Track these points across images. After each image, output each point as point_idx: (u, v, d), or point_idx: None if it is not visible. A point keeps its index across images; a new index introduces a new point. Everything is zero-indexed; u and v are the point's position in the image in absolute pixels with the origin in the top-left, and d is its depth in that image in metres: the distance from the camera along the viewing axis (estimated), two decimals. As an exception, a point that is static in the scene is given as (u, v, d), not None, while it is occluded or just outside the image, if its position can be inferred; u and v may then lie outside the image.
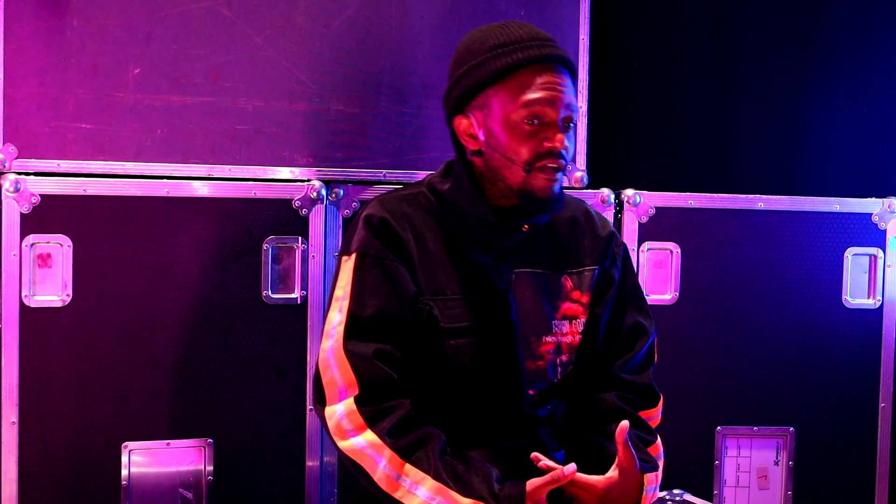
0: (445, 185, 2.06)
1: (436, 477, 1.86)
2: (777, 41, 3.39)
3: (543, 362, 2.07)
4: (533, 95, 1.94)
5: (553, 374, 2.09)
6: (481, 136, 1.99)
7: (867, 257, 2.93)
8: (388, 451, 1.88)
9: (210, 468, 2.57)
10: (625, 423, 1.89)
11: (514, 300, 2.04)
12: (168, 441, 2.54)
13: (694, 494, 2.72)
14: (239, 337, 2.59)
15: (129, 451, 2.51)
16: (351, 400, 1.92)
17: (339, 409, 1.92)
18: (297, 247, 2.62)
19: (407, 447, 1.89)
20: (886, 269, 2.93)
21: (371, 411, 1.91)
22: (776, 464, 2.93)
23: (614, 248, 2.19)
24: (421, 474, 1.86)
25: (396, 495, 1.87)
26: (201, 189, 2.54)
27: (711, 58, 3.37)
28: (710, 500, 2.88)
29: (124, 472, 2.51)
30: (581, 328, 2.13)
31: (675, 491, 2.72)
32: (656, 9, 3.34)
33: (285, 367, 2.62)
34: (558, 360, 2.09)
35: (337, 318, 1.98)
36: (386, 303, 1.96)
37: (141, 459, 2.52)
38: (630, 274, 2.22)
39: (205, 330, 2.56)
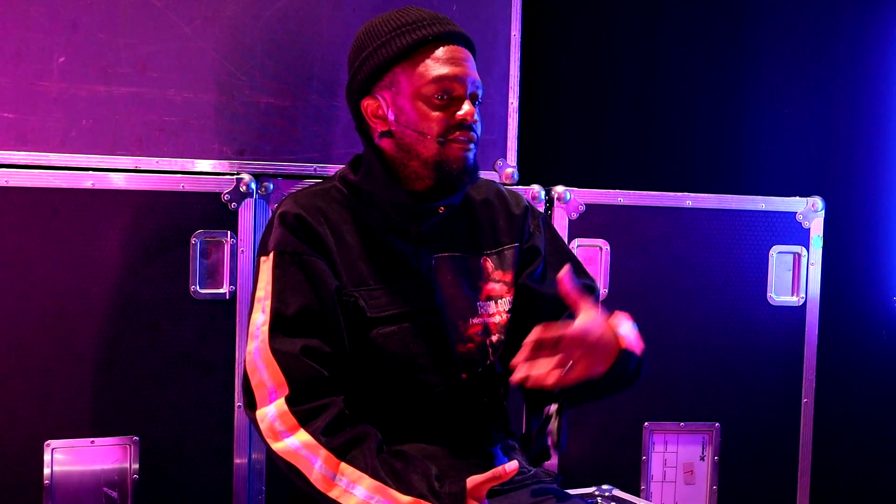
0: (357, 176, 2.06)
1: (373, 475, 1.84)
2: (703, 40, 3.44)
3: (473, 345, 2.07)
4: (442, 70, 1.97)
5: (484, 356, 2.09)
6: (391, 115, 2.00)
7: (791, 255, 2.99)
8: (323, 451, 1.86)
9: (136, 466, 2.52)
10: (564, 270, 1.88)
11: (437, 285, 2.04)
12: (92, 439, 2.49)
13: (622, 490, 2.74)
14: (166, 333, 2.54)
15: (52, 449, 2.45)
16: (282, 400, 1.89)
17: (271, 411, 1.90)
18: (226, 241, 2.58)
19: (342, 446, 1.87)
20: (810, 266, 2.98)
21: (303, 411, 1.89)
22: (702, 459, 2.97)
23: (531, 221, 2.19)
24: (358, 473, 1.84)
25: (333, 495, 1.85)
26: (128, 181, 2.48)
27: (638, 56, 3.40)
28: (638, 496, 2.90)
29: (47, 472, 2.44)
30: (508, 307, 2.12)
31: (604, 486, 2.74)
32: (585, 7, 3.37)
33: (213, 363, 2.58)
34: (488, 342, 2.09)
35: (261, 318, 1.95)
36: (308, 299, 1.95)
37: (64, 458, 2.46)
38: (556, 240, 2.23)
39: (131, 325, 2.51)
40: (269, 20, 2.60)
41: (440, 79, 1.96)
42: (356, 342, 1.99)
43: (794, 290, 2.99)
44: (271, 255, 1.97)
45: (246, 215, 2.59)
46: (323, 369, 1.91)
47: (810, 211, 2.98)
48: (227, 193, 2.57)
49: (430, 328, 2.02)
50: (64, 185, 2.43)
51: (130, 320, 2.51)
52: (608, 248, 2.87)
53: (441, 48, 1.98)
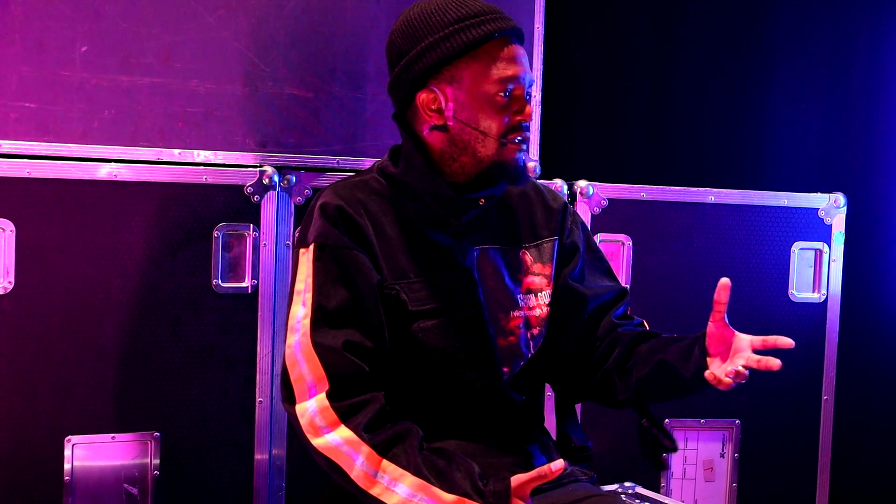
0: (397, 168, 2.02)
1: (416, 473, 1.81)
2: (723, 36, 3.43)
3: (515, 338, 2.05)
4: (507, 69, 1.94)
5: (526, 349, 2.07)
6: (448, 111, 1.95)
7: (813, 252, 2.97)
8: (365, 448, 1.83)
9: (156, 462, 2.49)
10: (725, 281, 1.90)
11: (479, 277, 2.01)
12: (113, 434, 2.45)
13: (644, 487, 2.72)
14: (187, 327, 2.50)
15: (73, 444, 2.41)
16: (323, 395, 1.86)
17: (312, 406, 1.86)
18: (249, 234, 2.55)
19: (385, 443, 1.84)
20: (831, 263, 2.97)
21: (344, 406, 1.85)
22: (722, 456, 2.96)
23: (570, 218, 2.18)
24: (400, 471, 1.81)
25: (374, 493, 1.82)
26: (150, 173, 2.45)
27: (658, 51, 3.40)
28: (658, 493, 2.88)
29: (67, 467, 2.41)
30: (548, 300, 2.10)
31: (627, 484, 2.71)
32: (605, 2, 3.35)
33: (235, 357, 2.55)
34: (529, 335, 2.07)
35: (301, 311, 1.92)
36: (350, 292, 1.91)
37: (85, 453, 2.43)
38: (589, 238, 2.22)
39: (152, 319, 2.47)
40: (293, 11, 2.57)
41: (505, 79, 1.93)
42: (397, 336, 1.96)
43: (816, 286, 2.97)
44: (312, 247, 1.93)
45: (269, 208, 2.56)
46: (364, 364, 1.88)
47: (832, 207, 2.96)
48: (249, 186, 2.54)
49: (471, 321, 1.99)
50: (85, 177, 2.39)
51: (152, 314, 2.47)
52: (630, 244, 2.85)
53: (505, 46, 1.95)
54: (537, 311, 2.08)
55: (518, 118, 1.95)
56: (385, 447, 1.83)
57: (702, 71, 3.39)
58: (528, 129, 1.98)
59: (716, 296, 1.90)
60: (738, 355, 1.90)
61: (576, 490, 2.01)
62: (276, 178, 2.55)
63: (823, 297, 2.97)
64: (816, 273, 2.97)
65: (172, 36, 2.47)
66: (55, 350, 2.39)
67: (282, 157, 2.59)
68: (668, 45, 3.39)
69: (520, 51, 1.97)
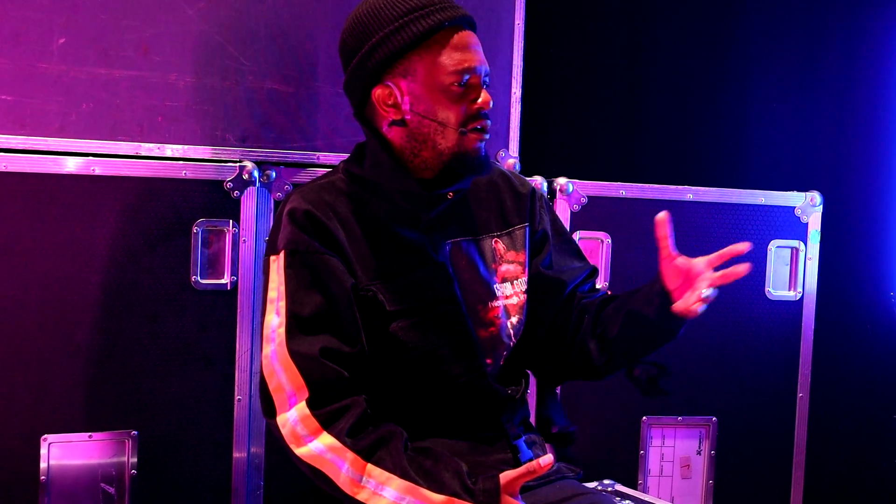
0: (362, 167, 2.00)
1: (403, 475, 1.79)
2: (701, 36, 3.45)
3: (495, 328, 2.04)
4: (461, 57, 1.92)
5: (508, 339, 2.06)
6: (405, 105, 1.94)
7: (789, 250, 2.99)
8: (349, 454, 1.81)
9: (133, 461, 2.45)
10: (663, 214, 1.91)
11: (453, 271, 2.00)
12: (90, 433, 2.41)
13: (622, 485, 2.73)
14: (166, 324, 2.47)
15: (49, 443, 2.37)
16: (303, 404, 1.84)
17: (292, 416, 1.84)
18: (228, 230, 2.52)
19: (368, 447, 1.82)
20: (807, 261, 2.99)
21: (325, 413, 1.83)
22: (698, 453, 2.97)
23: (539, 203, 2.17)
24: (386, 474, 1.80)
25: (361, 498, 1.80)
26: (129, 168, 2.41)
27: (638, 50, 3.40)
28: (636, 490, 2.89)
29: (43, 466, 2.37)
30: (524, 287, 2.10)
31: (606, 481, 2.72)
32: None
33: (214, 355, 2.52)
34: (509, 323, 2.06)
35: (275, 320, 1.89)
36: (324, 297, 1.89)
37: (61, 452, 2.39)
38: (557, 221, 2.21)
39: (130, 316, 2.43)
40: (274, 4, 2.54)
41: (460, 69, 1.91)
42: (376, 337, 1.94)
43: (792, 284, 2.99)
44: (282, 254, 1.91)
45: (248, 204, 2.53)
46: (343, 369, 1.86)
47: (809, 205, 2.98)
48: (229, 181, 2.51)
49: (449, 316, 1.98)
50: (63, 171, 2.35)
51: (130, 311, 2.43)
52: (609, 241, 2.85)
53: (456, 34, 1.93)
54: (514, 300, 2.07)
55: (475, 106, 1.93)
56: (369, 451, 1.82)
57: (679, 70, 3.41)
58: (487, 116, 1.95)
59: (657, 232, 1.91)
60: (700, 279, 1.89)
61: (563, 488, 2.00)
62: (256, 174, 2.52)
63: (799, 295, 2.99)
64: (793, 271, 2.99)
65: (152, 28, 2.43)
66: (31, 348, 2.35)
67: (262, 152, 2.56)
68: (645, 45, 3.40)
69: (472, 38, 1.95)
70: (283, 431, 1.86)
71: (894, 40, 3.35)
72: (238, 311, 2.54)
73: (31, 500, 2.37)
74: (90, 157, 2.39)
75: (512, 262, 2.09)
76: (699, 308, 1.87)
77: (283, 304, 1.89)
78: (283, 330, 1.87)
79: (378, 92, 1.96)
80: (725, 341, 2.95)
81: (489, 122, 1.97)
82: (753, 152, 3.43)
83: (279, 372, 1.86)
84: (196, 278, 2.49)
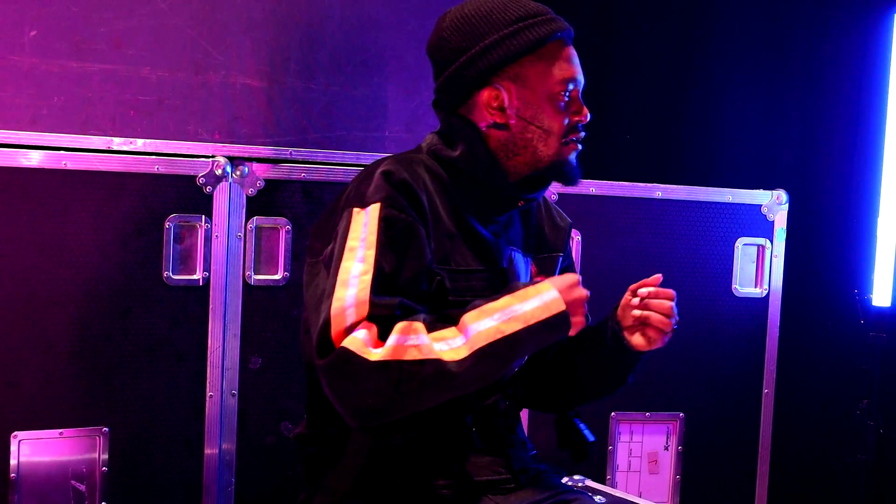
0: (454, 153, 1.97)
1: (481, 308, 1.78)
2: (666, 36, 3.48)
3: None
4: (569, 70, 1.95)
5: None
6: (511, 108, 1.93)
7: (756, 247, 3.03)
8: (418, 325, 1.75)
9: (105, 457, 2.44)
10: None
11: (509, 279, 2.00)
12: (61, 430, 2.39)
13: (591, 480, 2.75)
14: (137, 320, 2.46)
15: (19, 440, 2.35)
16: (366, 324, 1.75)
17: (359, 333, 1.74)
18: (200, 226, 2.51)
19: (430, 322, 1.78)
20: (773, 259, 3.03)
21: (386, 333, 1.76)
22: (666, 448, 3.00)
23: (570, 240, 2.21)
24: (469, 316, 1.77)
25: (449, 355, 1.73)
26: (100, 162, 2.39)
27: (609, 51, 3.42)
28: (605, 485, 2.92)
29: (13, 463, 2.35)
30: None
31: (576, 477, 2.74)
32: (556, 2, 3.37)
33: (185, 351, 2.51)
34: None
35: (358, 267, 1.80)
36: (412, 262, 1.85)
37: (31, 450, 2.37)
38: (573, 262, 2.24)
39: (102, 312, 2.42)
40: (246, 0, 2.54)
41: (567, 79, 1.94)
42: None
43: (758, 281, 3.03)
44: (378, 206, 1.83)
45: (220, 199, 2.52)
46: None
47: (775, 204, 3.02)
48: (201, 176, 2.49)
49: None
50: (34, 165, 2.33)
51: (101, 306, 2.42)
52: (579, 238, 2.88)
53: (565, 45, 1.96)
54: None
55: (577, 118, 1.96)
56: (431, 324, 1.78)
57: (648, 71, 3.45)
58: (583, 130, 1.99)
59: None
60: (627, 307, 1.99)
61: (548, 486, 2.01)
62: (228, 169, 2.51)
63: (765, 292, 3.04)
64: (759, 268, 3.03)
65: (124, 22, 2.43)
66: (1, 343, 2.33)
67: (234, 147, 2.55)
68: (615, 46, 3.43)
69: (575, 52, 1.98)
70: (353, 347, 1.73)
71: (859, 41, 3.40)
72: (210, 306, 2.53)
73: (1, 497, 2.35)
74: (61, 151, 2.37)
75: None
76: (639, 341, 1.97)
77: (371, 252, 1.81)
78: (368, 277, 1.79)
79: (485, 94, 1.94)
80: (692, 338, 2.98)
81: (584, 135, 2.00)
82: (721, 151, 3.48)
83: (351, 315, 1.77)
84: (168, 274, 2.48)
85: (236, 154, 2.56)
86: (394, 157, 1.95)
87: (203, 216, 2.51)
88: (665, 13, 3.48)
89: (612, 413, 2.94)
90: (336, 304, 1.77)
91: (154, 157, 2.45)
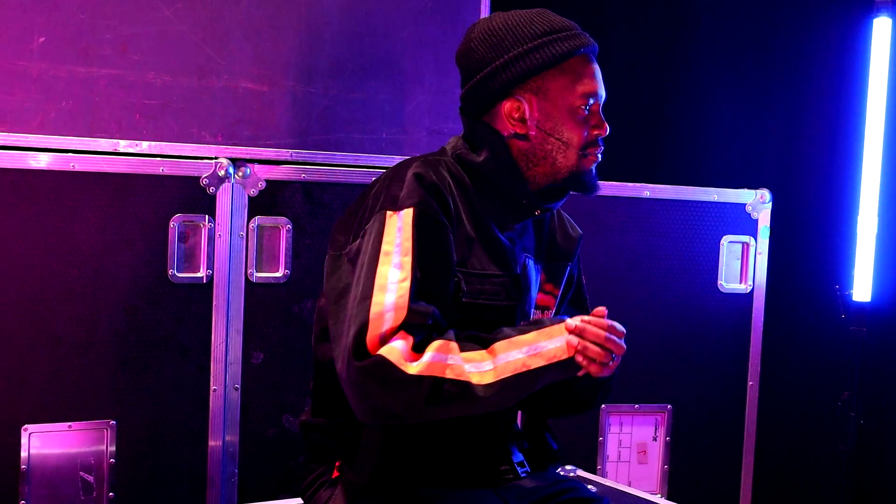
0: (479, 158, 2.03)
1: (512, 341, 1.85)
2: (651, 39, 3.55)
3: None
4: (591, 85, 2.00)
5: None
6: (532, 120, 1.99)
7: (740, 245, 3.12)
8: (453, 345, 1.83)
9: (112, 450, 2.51)
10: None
11: (523, 286, 2.05)
12: (69, 423, 2.47)
13: (584, 471, 2.83)
14: (143, 316, 2.53)
15: (29, 433, 2.43)
16: (402, 335, 1.82)
17: (398, 343, 1.81)
18: (204, 225, 2.59)
19: (462, 342, 1.85)
20: (757, 256, 3.12)
21: (420, 345, 1.83)
22: (654, 439, 3.09)
23: (579, 252, 2.26)
24: (499, 346, 1.85)
25: (477, 378, 1.81)
26: (107, 164, 2.47)
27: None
28: (595, 475, 3.00)
29: (24, 455, 2.42)
30: None
31: (568, 467, 2.82)
32: (540, 3, 3.44)
33: (190, 347, 2.59)
34: None
35: (396, 273, 1.86)
36: (443, 267, 1.92)
37: (41, 442, 2.44)
38: (581, 273, 2.29)
39: (109, 309, 2.50)
40: (249, 6, 2.61)
41: (588, 93, 1.99)
42: (446, 318, 1.95)
43: (743, 278, 3.12)
44: (412, 211, 1.89)
45: (224, 199, 2.60)
46: (434, 328, 1.87)
47: (759, 203, 3.11)
48: (205, 177, 2.57)
49: (504, 324, 1.99)
50: (42, 167, 2.40)
51: (108, 304, 2.49)
52: (570, 236, 2.96)
53: (587, 60, 2.01)
54: None
55: (596, 132, 2.01)
56: (462, 344, 1.85)
57: (636, 74, 3.53)
58: (603, 144, 2.03)
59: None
60: None
61: (545, 477, 2.07)
62: (231, 170, 2.59)
63: (750, 288, 3.12)
64: (744, 265, 3.12)
65: (130, 28, 2.49)
66: (11, 339, 2.40)
67: (237, 149, 2.63)
68: (602, 49, 3.49)
69: (598, 68, 2.03)
70: (392, 358, 1.80)
71: (840, 46, 3.48)
72: (214, 303, 2.61)
73: (12, 488, 2.42)
74: (69, 154, 2.44)
75: (548, 294, 2.16)
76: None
77: (408, 259, 1.87)
78: (407, 284, 1.85)
79: (507, 105, 2.00)
80: (680, 332, 3.07)
81: (603, 148, 2.04)
82: (707, 152, 3.56)
83: (389, 321, 1.83)
84: (173, 272, 2.56)
85: (238, 156, 2.64)
86: (423, 159, 2.00)
87: (206, 216, 2.58)
88: (652, 17, 3.55)
89: (603, 405, 3.03)
90: (375, 309, 1.82)
91: (159, 158, 2.53)
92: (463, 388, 1.81)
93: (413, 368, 1.79)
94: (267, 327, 2.68)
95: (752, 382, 3.15)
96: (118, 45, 2.49)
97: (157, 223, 2.53)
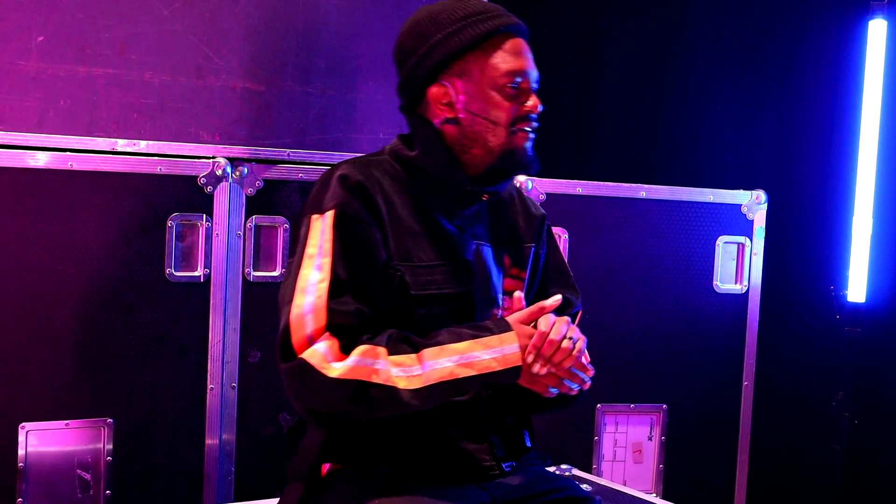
0: (413, 152, 2.06)
1: (444, 348, 1.88)
2: (647, 41, 3.56)
3: None
4: (514, 61, 2.01)
5: None
6: (459, 103, 2.02)
7: (736, 245, 3.13)
8: (380, 349, 1.86)
9: (109, 448, 2.52)
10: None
11: (475, 270, 2.07)
12: (67, 421, 2.48)
13: (579, 470, 2.85)
14: (141, 315, 2.54)
15: (27, 431, 2.44)
16: (326, 336, 1.86)
17: (321, 346, 1.85)
18: (202, 224, 2.60)
19: (389, 344, 1.88)
20: (753, 256, 3.13)
21: (347, 346, 1.87)
22: (650, 439, 3.10)
23: (546, 231, 2.26)
24: (429, 352, 1.87)
25: (403, 384, 1.84)
26: (105, 163, 2.48)
27: (596, 56, 3.50)
28: (591, 474, 3.01)
29: (21, 453, 2.43)
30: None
31: (564, 466, 2.84)
32: (535, 4, 3.46)
33: (187, 345, 2.60)
34: None
35: (316, 275, 1.91)
36: (365, 265, 1.94)
37: (38, 440, 2.45)
38: (556, 251, 2.30)
39: (107, 307, 2.50)
40: (246, 6, 2.62)
41: (512, 71, 2.00)
42: (395, 315, 1.99)
43: (738, 278, 3.13)
44: (331, 213, 1.94)
45: (221, 199, 2.61)
46: (367, 331, 1.91)
47: (754, 203, 3.12)
48: (203, 177, 2.58)
49: (462, 313, 2.04)
50: (41, 166, 2.41)
51: (106, 302, 2.50)
52: (567, 237, 2.97)
53: (510, 39, 2.02)
54: (510, 313, 2.14)
55: (525, 108, 2.02)
56: (394, 348, 1.88)
57: (632, 75, 3.55)
58: (535, 119, 2.04)
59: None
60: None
61: (534, 474, 2.08)
62: (228, 170, 2.60)
63: (745, 289, 3.14)
64: (739, 265, 3.13)
65: (128, 28, 2.50)
66: (9, 338, 2.41)
67: (234, 148, 2.64)
68: (599, 52, 3.53)
69: (524, 45, 2.05)
70: (313, 361, 1.84)
71: (835, 48, 3.49)
72: (211, 302, 2.62)
73: (9, 486, 2.43)
74: (67, 153, 2.45)
75: (515, 277, 2.17)
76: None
77: (326, 261, 1.91)
78: (324, 286, 1.90)
79: (434, 91, 2.03)
80: (675, 332, 3.09)
81: (537, 125, 2.06)
82: (703, 153, 3.57)
83: (310, 323, 1.87)
84: (170, 270, 2.57)
85: (236, 155, 2.65)
86: (351, 161, 2.04)
87: (204, 215, 2.59)
88: (648, 18, 3.56)
89: (598, 405, 3.04)
90: (295, 311, 1.89)
91: (157, 158, 2.54)
92: (389, 392, 1.85)
93: (335, 371, 1.84)
94: (264, 326, 2.69)
95: (747, 382, 3.16)
96: (116, 44, 2.49)
97: (154, 222, 2.54)
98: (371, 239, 1.96)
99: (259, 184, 2.65)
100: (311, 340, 1.86)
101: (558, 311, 2.13)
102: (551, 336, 1.91)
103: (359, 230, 1.95)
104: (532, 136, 2.05)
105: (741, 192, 3.12)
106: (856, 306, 3.39)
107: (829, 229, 3.48)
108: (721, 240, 3.11)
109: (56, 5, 2.43)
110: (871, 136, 3.39)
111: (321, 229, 1.94)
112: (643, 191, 3.04)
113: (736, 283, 3.14)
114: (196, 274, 2.60)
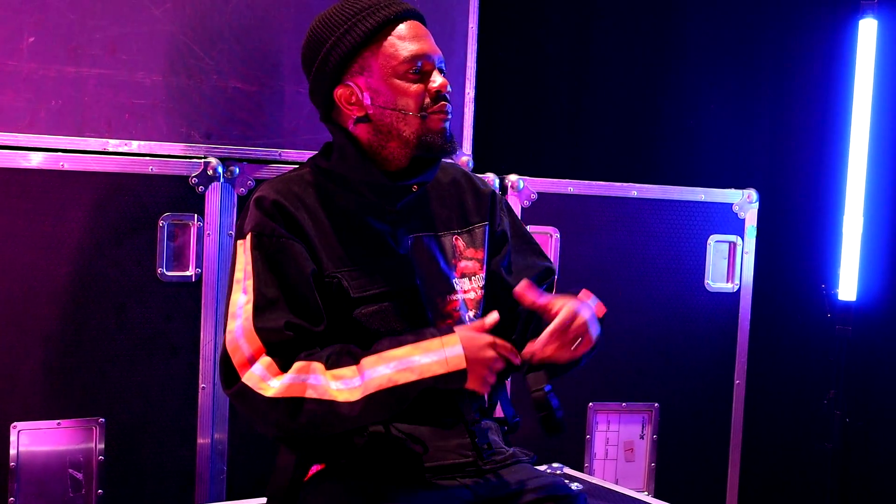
0: (329, 161, 2.09)
1: (382, 355, 1.88)
2: (640, 42, 3.57)
3: (453, 321, 2.12)
4: (410, 46, 2.02)
5: None
6: (366, 100, 2.03)
7: (727, 244, 3.14)
8: (316, 365, 1.88)
9: (101, 447, 2.53)
10: (522, 285, 1.97)
11: (416, 264, 2.08)
12: (58, 420, 2.48)
13: (571, 468, 2.85)
14: (133, 315, 2.55)
15: (18, 431, 2.44)
16: (267, 358, 1.90)
17: (257, 368, 1.89)
18: (193, 224, 2.60)
19: (329, 359, 1.90)
20: (744, 255, 3.14)
21: (285, 365, 1.90)
22: (641, 437, 3.11)
23: (499, 205, 2.26)
24: (367, 361, 1.88)
25: (343, 396, 1.85)
26: (96, 163, 2.48)
27: (587, 55, 3.51)
28: (582, 473, 3.02)
29: (12, 453, 2.43)
30: (482, 283, 2.19)
31: (555, 465, 2.85)
32: (533, 4, 3.47)
33: (179, 345, 2.60)
34: (467, 317, 2.14)
35: (242, 298, 1.96)
36: (289, 279, 1.97)
37: (30, 440, 2.45)
38: (516, 222, 2.30)
39: (98, 307, 2.51)
40: (238, 6, 2.62)
41: (411, 55, 2.01)
42: (340, 322, 2.02)
43: (730, 277, 3.14)
44: (249, 237, 1.98)
45: (212, 198, 2.62)
46: (303, 342, 1.93)
47: (746, 202, 3.13)
48: (194, 177, 2.59)
49: (410, 306, 2.06)
50: (32, 166, 2.42)
51: (97, 302, 2.51)
52: (558, 236, 2.98)
53: (402, 26, 2.03)
54: (472, 295, 2.16)
55: (434, 88, 2.02)
56: (334, 361, 1.89)
57: (624, 74, 3.55)
58: (446, 98, 2.04)
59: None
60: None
61: (518, 471, 2.08)
62: (220, 170, 2.61)
63: (736, 287, 3.15)
64: (730, 264, 3.14)
65: (119, 28, 2.50)
66: (1, 337, 2.41)
67: (226, 148, 2.65)
68: (591, 49, 3.53)
69: (421, 29, 2.05)
70: (250, 383, 1.88)
71: (826, 47, 3.51)
72: (202, 302, 2.62)
73: (1, 486, 2.43)
74: (59, 153, 2.46)
75: (471, 259, 2.18)
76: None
77: (249, 282, 1.96)
78: (249, 307, 1.94)
79: (339, 92, 2.05)
80: (667, 331, 3.09)
81: (449, 104, 2.05)
82: (694, 152, 3.58)
83: (243, 346, 1.92)
84: (162, 270, 2.57)
85: (228, 155, 2.65)
86: (271, 181, 2.08)
87: (195, 215, 2.60)
88: (640, 17, 3.57)
89: (590, 403, 3.05)
90: (228, 337, 1.94)
91: (148, 158, 2.55)
92: (327, 406, 1.87)
93: (271, 390, 1.88)
94: (256, 326, 2.69)
95: (739, 381, 3.17)
96: (108, 44, 2.50)
97: (146, 222, 2.55)
98: (292, 253, 1.98)
99: (251, 184, 2.66)
100: (251, 361, 1.90)
101: (539, 282, 2.16)
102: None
103: (279, 247, 1.97)
104: (448, 116, 2.05)
105: (732, 191, 3.13)
106: (847, 304, 3.40)
107: (821, 228, 3.49)
108: (712, 239, 3.12)
109: (47, 5, 2.43)
110: (861, 135, 3.41)
111: (243, 253, 1.99)
112: (634, 190, 3.04)
113: (727, 281, 3.14)
114: (187, 274, 2.61)
